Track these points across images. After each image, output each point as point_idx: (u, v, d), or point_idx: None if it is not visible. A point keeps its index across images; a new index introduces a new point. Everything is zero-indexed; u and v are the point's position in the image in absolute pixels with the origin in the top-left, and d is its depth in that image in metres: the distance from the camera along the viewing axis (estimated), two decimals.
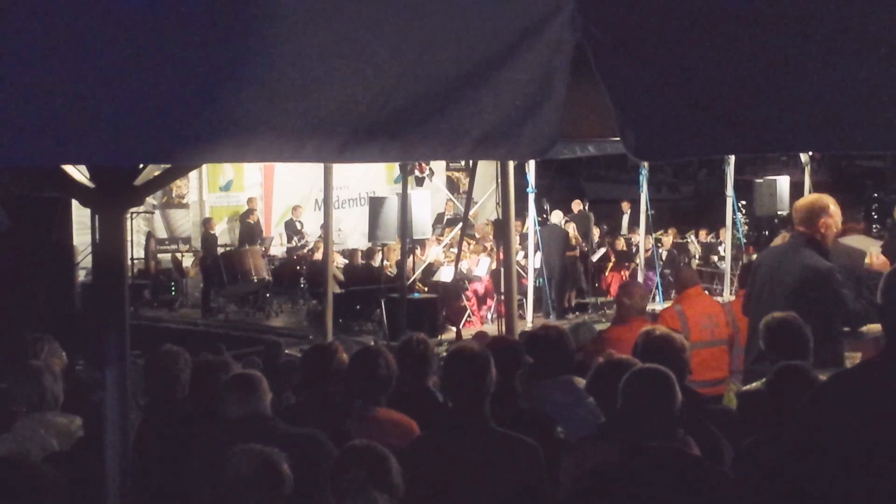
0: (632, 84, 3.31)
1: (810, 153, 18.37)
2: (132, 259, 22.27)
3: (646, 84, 3.32)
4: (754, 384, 6.04)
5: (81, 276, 19.63)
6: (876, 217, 26.07)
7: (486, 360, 4.96)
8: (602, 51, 3.27)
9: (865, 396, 3.67)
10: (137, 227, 22.56)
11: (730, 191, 19.55)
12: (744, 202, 23.05)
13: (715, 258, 23.23)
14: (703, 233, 25.38)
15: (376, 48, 3.00)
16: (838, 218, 7.66)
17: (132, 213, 21.86)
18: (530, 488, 4.71)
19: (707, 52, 3.33)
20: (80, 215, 16.52)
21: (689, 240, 24.90)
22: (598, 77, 3.28)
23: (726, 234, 20.53)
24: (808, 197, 8.00)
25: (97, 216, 3.86)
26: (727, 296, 18.02)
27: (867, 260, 7.67)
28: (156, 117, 2.72)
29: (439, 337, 15.86)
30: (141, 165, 3.68)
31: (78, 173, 3.69)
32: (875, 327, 6.95)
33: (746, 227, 23.44)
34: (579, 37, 3.24)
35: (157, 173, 3.84)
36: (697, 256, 23.98)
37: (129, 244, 21.08)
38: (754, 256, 18.17)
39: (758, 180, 22.14)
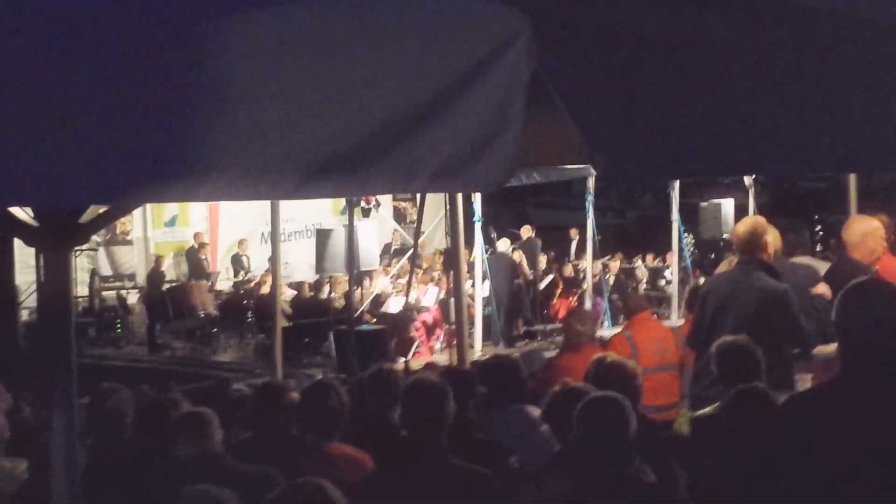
0: (596, 110, 3.32)
1: (753, 176, 18.55)
2: (76, 297, 22.03)
3: (609, 110, 3.33)
4: (707, 409, 6.04)
5: (24, 315, 19.39)
6: (820, 237, 26.29)
7: (445, 391, 4.92)
8: (562, 79, 3.27)
9: (825, 418, 3.68)
10: (81, 265, 22.33)
11: (675, 215, 19.65)
12: (689, 226, 23.15)
13: (662, 282, 23.35)
14: (649, 257, 25.51)
15: (330, 83, 2.97)
16: (776, 235, 7.78)
17: (76, 250, 21.61)
18: None
19: (665, 78, 3.34)
20: (23, 254, 16.32)
21: (636, 265, 25.01)
22: (562, 105, 3.28)
23: (673, 259, 20.63)
24: (745, 222, 8.05)
25: (41, 255, 3.80)
26: (675, 320, 18.08)
27: (814, 288, 7.72)
28: (103, 158, 2.66)
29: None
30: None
31: (21, 212, 3.63)
32: (825, 349, 7.00)
33: (693, 251, 23.53)
34: (535, 66, 3.24)
35: (101, 210, 3.78)
36: (645, 281, 24.09)
37: (73, 282, 20.87)
38: (701, 280, 18.27)
39: (702, 204, 22.29)
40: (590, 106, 3.28)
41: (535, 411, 5.86)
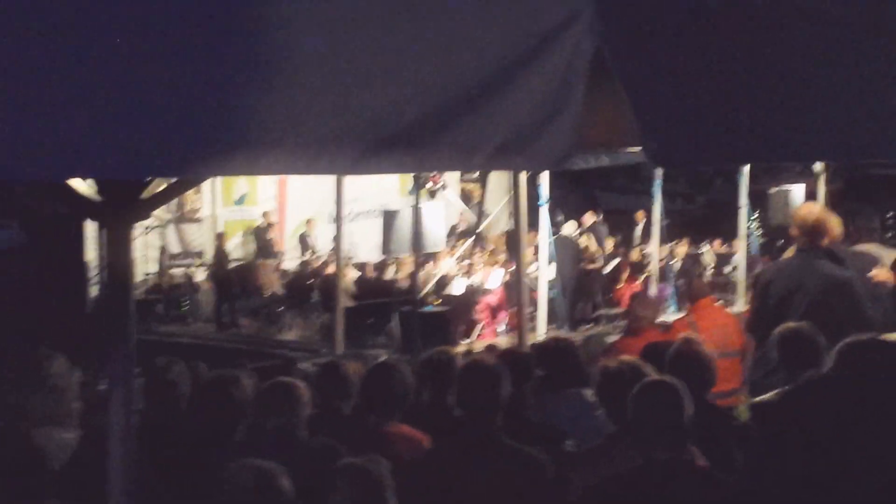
0: (652, 91, 3.27)
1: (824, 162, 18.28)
2: (146, 274, 22.28)
3: (666, 91, 3.29)
4: (767, 395, 5.99)
5: (95, 291, 19.63)
6: (891, 224, 25.89)
7: (500, 373, 4.93)
8: (622, 57, 3.23)
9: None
10: (151, 242, 22.57)
11: (743, 200, 19.43)
12: (758, 212, 22.87)
13: (729, 268, 23.11)
14: (717, 243, 25.25)
15: (391, 59, 2.97)
16: (838, 221, 7.73)
17: (146, 227, 21.88)
18: (538, 502, 4.66)
19: (726, 60, 3.30)
20: (95, 230, 16.50)
21: (702, 250, 24.78)
22: (619, 83, 3.24)
23: (740, 245, 20.42)
24: (808, 208, 7.99)
25: (105, 231, 3.84)
26: (741, 306, 17.91)
27: (872, 272, 7.63)
28: (165, 130, 2.69)
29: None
30: (148, 178, 3.67)
31: (85, 187, 3.67)
32: (890, 337, 6.90)
33: (761, 238, 23.26)
34: (597, 43, 3.20)
35: (164, 186, 3.82)
36: (712, 267, 23.86)
37: (143, 259, 21.02)
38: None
39: (772, 190, 22.03)
40: (648, 86, 3.24)
41: (592, 394, 5.84)
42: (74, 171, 2.98)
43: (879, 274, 7.49)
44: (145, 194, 3.71)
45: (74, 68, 2.58)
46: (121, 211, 3.71)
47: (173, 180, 3.80)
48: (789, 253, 8.79)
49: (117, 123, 2.63)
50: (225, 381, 5.88)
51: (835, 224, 7.73)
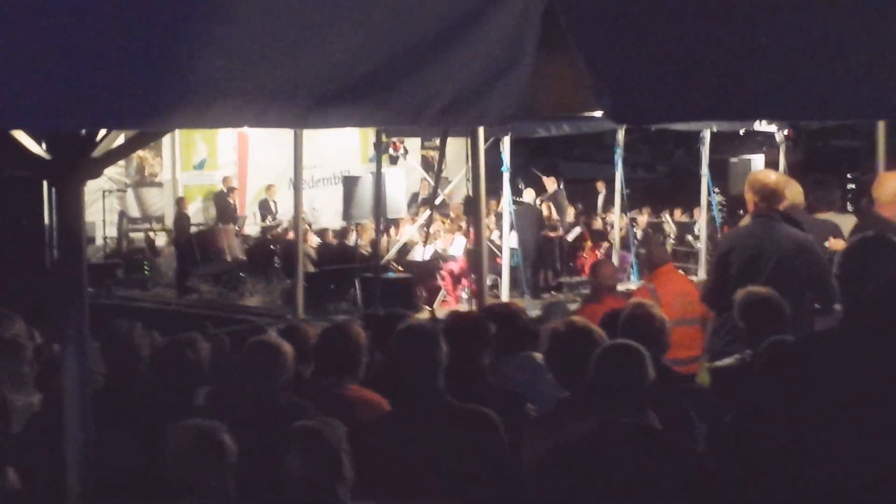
0: (607, 46, 3.22)
1: (785, 132, 18.40)
2: (105, 238, 22.14)
3: (621, 47, 3.24)
4: (727, 360, 5.99)
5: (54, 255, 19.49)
6: (852, 195, 26.13)
7: (434, 334, 4.90)
8: (574, 13, 3.18)
9: (823, 367, 3.69)
10: (110, 206, 22.42)
11: (704, 170, 19.52)
12: (718, 182, 23.00)
13: (690, 237, 23.23)
14: (677, 212, 25.36)
15: (341, 13, 2.92)
16: (799, 190, 7.75)
17: (105, 191, 21.73)
18: (490, 458, 4.67)
19: (684, 15, 3.25)
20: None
21: (664, 219, 24.87)
22: (572, 39, 3.19)
23: (701, 214, 20.52)
24: (765, 173, 7.97)
25: (54, 189, 3.78)
26: (702, 275, 18.00)
27: (827, 243, 7.66)
28: (112, 82, 2.64)
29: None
30: (99, 138, 3.61)
31: (34, 145, 3.61)
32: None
33: (722, 207, 23.39)
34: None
35: (116, 145, 3.76)
36: (672, 236, 23.96)
37: (102, 223, 20.79)
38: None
39: (733, 159, 22.18)
40: (602, 42, 3.19)
41: (542, 358, 5.81)
42: (20, 122, 2.94)
43: (836, 244, 7.51)
44: (97, 153, 3.66)
45: (16, 18, 2.53)
46: (71, 169, 3.66)
47: (125, 140, 3.75)
48: (746, 220, 8.78)
49: (60, 74, 2.58)
50: (181, 345, 5.83)
51: (797, 191, 7.71)
